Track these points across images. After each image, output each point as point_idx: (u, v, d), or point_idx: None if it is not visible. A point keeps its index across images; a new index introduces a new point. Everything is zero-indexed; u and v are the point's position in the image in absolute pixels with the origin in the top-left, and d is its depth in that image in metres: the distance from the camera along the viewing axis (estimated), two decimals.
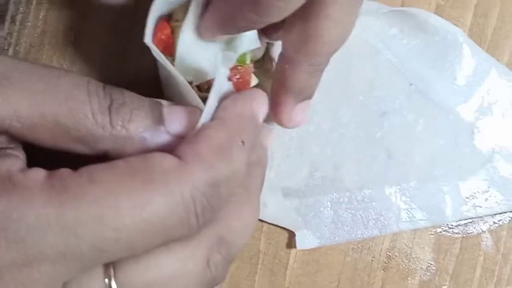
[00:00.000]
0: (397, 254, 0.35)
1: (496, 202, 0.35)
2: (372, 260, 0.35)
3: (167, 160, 0.22)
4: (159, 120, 0.24)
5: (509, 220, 0.35)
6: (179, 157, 0.22)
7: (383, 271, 0.35)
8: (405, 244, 0.35)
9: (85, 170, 0.21)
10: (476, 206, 0.35)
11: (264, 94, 0.27)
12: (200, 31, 0.27)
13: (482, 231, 0.35)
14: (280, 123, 0.30)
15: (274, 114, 0.29)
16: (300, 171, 0.34)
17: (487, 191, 0.35)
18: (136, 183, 0.21)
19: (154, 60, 0.26)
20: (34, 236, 0.20)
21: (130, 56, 0.33)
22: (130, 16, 0.33)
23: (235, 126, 0.24)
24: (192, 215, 0.22)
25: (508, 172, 0.35)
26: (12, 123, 0.22)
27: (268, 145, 0.29)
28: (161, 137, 0.24)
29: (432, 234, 0.35)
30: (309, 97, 0.29)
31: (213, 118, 0.25)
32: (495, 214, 0.35)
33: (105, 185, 0.21)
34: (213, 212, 0.23)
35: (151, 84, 0.30)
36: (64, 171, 0.22)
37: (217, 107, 0.25)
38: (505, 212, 0.35)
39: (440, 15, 0.34)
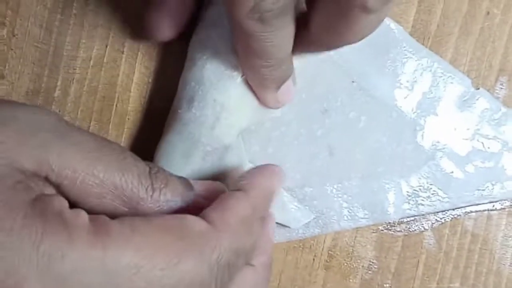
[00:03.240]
0: (338, 253, 0.34)
1: (439, 199, 0.35)
2: (314, 259, 0.34)
3: (199, 223, 0.24)
4: (189, 187, 0.26)
5: (452, 218, 0.35)
6: (209, 222, 0.24)
7: (324, 270, 0.34)
8: (346, 243, 0.35)
9: (126, 220, 0.23)
10: (419, 204, 0.34)
11: (282, 170, 0.30)
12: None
13: (425, 229, 0.35)
14: (267, 106, 0.31)
15: (260, 98, 0.31)
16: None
17: (430, 189, 0.34)
18: (171, 239, 0.23)
19: None
20: (73, 276, 0.21)
21: None
22: None
23: (258, 201, 0.27)
24: (213, 279, 0.23)
25: (451, 170, 0.34)
26: (68, 174, 0.23)
27: (273, 240, 0.31)
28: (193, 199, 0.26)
29: (374, 232, 0.35)
30: (286, 79, 0.30)
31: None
32: (437, 212, 0.35)
33: (145, 236, 0.22)
34: (229, 281, 0.25)
35: None
36: (105, 218, 0.23)
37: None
38: (447, 210, 0.35)
39: None
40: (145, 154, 0.32)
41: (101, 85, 0.32)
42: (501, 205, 0.35)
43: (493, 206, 0.35)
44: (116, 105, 0.32)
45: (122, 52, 0.32)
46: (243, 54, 0.28)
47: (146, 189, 0.25)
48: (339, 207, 0.34)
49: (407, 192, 0.34)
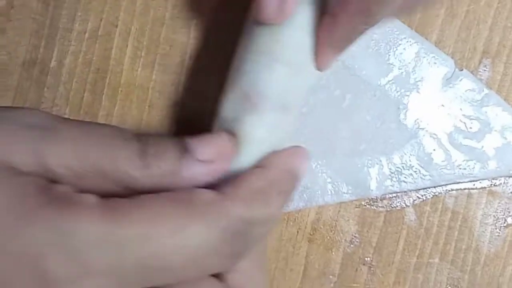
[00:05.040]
0: (322, 226, 0.36)
1: (421, 177, 0.36)
2: (298, 232, 0.36)
3: (208, 193, 0.25)
4: (184, 151, 0.26)
5: (433, 196, 0.36)
6: (219, 193, 0.25)
7: (308, 243, 0.36)
8: (330, 217, 0.36)
9: (134, 196, 0.24)
10: (401, 181, 0.36)
11: (307, 152, 0.29)
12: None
13: (406, 205, 0.36)
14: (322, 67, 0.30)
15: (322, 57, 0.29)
16: None
17: (412, 166, 0.36)
18: (178, 210, 0.24)
19: None
20: (88, 250, 0.22)
21: None
22: None
23: (276, 176, 0.27)
24: (225, 247, 0.24)
25: (432, 148, 0.35)
26: (61, 170, 0.24)
27: None
28: (193, 166, 0.26)
29: (357, 207, 0.36)
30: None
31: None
32: (419, 189, 0.36)
33: (152, 209, 0.24)
34: (245, 249, 0.25)
35: None
36: (115, 198, 0.24)
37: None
38: (429, 188, 0.36)
39: None
40: (136, 126, 0.34)
41: (95, 58, 0.33)
42: (482, 184, 0.36)
43: (474, 184, 0.36)
44: (109, 77, 0.33)
45: (116, 26, 0.33)
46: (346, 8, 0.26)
47: (140, 168, 0.25)
48: (323, 182, 0.35)
49: (390, 169, 0.35)
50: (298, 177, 0.29)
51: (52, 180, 0.24)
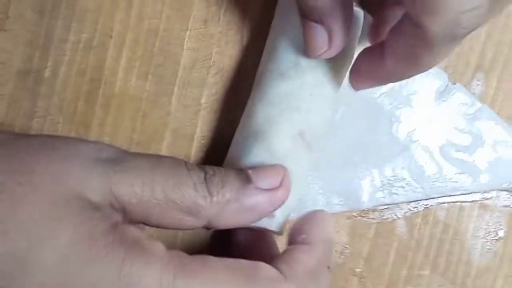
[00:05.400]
0: None
1: (412, 190, 0.36)
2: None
3: (271, 270, 0.26)
4: (247, 180, 0.27)
5: (424, 208, 0.36)
6: (279, 271, 0.26)
7: None
8: None
9: (200, 256, 0.25)
10: (392, 193, 0.36)
11: (329, 214, 0.31)
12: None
13: (397, 217, 0.36)
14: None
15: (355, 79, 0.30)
16: None
17: (404, 179, 0.36)
18: (240, 280, 0.24)
19: None
20: None
21: None
22: None
23: (321, 251, 0.28)
24: None
25: (424, 161, 0.36)
26: (130, 199, 0.25)
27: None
28: (253, 195, 0.27)
29: (348, 218, 0.36)
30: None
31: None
32: (410, 202, 0.36)
33: (215, 273, 0.24)
34: None
35: None
36: (180, 251, 0.25)
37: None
38: (420, 200, 0.36)
39: None
40: (129, 136, 0.34)
41: (90, 68, 0.33)
42: (473, 197, 0.36)
43: (465, 197, 0.36)
44: (103, 88, 0.33)
45: (111, 37, 0.33)
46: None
47: (204, 196, 0.26)
48: (315, 193, 0.35)
49: (382, 181, 0.36)
50: (333, 247, 0.31)
51: (122, 211, 0.25)
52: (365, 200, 0.36)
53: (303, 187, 0.33)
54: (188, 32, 0.34)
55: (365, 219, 0.36)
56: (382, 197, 0.36)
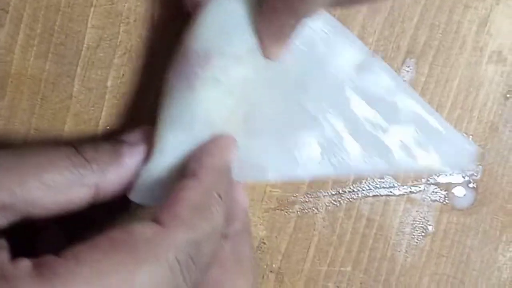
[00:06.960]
0: None
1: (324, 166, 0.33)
2: None
3: (148, 228, 0.23)
4: (116, 142, 0.27)
5: (347, 202, 0.34)
6: (159, 223, 0.23)
7: None
8: None
9: (69, 253, 0.22)
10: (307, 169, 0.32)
11: (234, 140, 0.28)
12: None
13: (318, 211, 0.34)
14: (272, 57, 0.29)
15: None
16: None
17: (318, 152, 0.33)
18: (121, 257, 0.22)
19: None
20: None
21: None
22: None
23: (210, 181, 0.25)
24: (180, 277, 0.23)
25: (337, 136, 0.33)
26: (10, 198, 0.24)
27: (246, 203, 0.31)
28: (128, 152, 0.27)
29: (266, 212, 0.34)
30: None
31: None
32: (331, 189, 0.34)
33: (93, 265, 0.22)
34: (200, 271, 0.24)
35: None
36: (49, 258, 0.22)
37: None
38: (342, 193, 0.34)
39: None
40: (27, 120, 0.32)
41: None
42: (400, 190, 0.34)
43: (391, 191, 0.34)
44: None
45: (7, 12, 0.31)
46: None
47: (82, 166, 0.25)
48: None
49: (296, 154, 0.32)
50: (230, 171, 0.27)
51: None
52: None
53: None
54: (92, 9, 0.31)
55: (284, 212, 0.34)
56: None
